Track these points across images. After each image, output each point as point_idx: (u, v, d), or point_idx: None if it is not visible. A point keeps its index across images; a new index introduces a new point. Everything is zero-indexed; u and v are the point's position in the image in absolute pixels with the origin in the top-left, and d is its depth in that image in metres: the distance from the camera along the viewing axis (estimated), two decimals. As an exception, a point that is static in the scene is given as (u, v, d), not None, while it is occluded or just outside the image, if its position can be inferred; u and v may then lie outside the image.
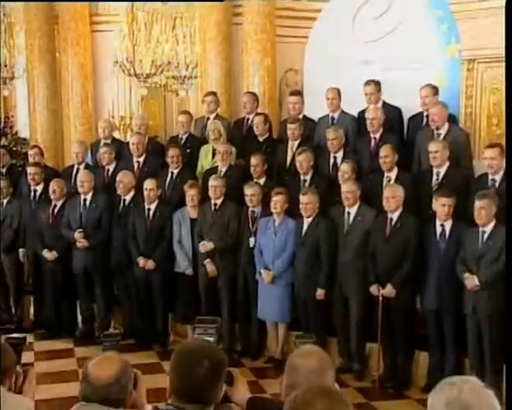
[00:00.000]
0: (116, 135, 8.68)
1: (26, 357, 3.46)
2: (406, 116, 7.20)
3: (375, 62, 7.41)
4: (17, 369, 2.97)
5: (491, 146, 6.27)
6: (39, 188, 7.81)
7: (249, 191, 6.66)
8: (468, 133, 7.32)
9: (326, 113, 7.39)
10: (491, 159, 6.03)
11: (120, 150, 7.95)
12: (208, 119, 7.98)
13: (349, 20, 7.67)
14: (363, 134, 7.11)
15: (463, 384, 1.83)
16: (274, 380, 5.51)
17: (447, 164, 6.31)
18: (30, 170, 7.81)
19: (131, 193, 7.26)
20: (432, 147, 6.31)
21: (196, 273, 6.92)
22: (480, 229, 5.61)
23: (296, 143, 7.21)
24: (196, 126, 8.26)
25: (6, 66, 9.95)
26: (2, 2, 9.91)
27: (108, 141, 8.04)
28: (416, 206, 6.23)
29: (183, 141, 7.93)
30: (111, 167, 7.71)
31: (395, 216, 6.02)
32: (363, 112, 7.15)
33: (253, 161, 6.96)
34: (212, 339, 2.80)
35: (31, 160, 8.22)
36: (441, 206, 5.77)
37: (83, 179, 7.34)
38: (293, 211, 6.55)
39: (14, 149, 10.40)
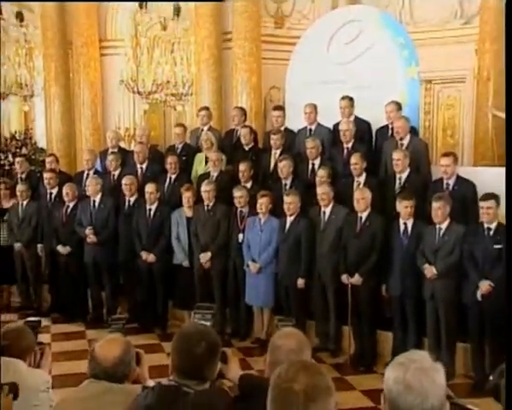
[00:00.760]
0: (122, 144, 8.67)
1: (44, 338, 3.45)
2: (374, 128, 7.22)
3: (346, 82, 7.43)
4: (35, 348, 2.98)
5: (445, 155, 6.29)
6: (54, 191, 7.80)
7: (238, 194, 6.67)
8: (427, 143, 7.40)
9: (304, 125, 7.39)
10: (446, 166, 6.04)
11: (125, 158, 7.91)
12: (202, 130, 7.94)
13: (324, 45, 7.69)
14: (337, 144, 7.12)
15: (410, 364, 1.77)
16: (260, 358, 5.52)
17: (408, 170, 6.32)
18: (46, 175, 7.83)
19: (135, 195, 7.25)
20: (395, 155, 6.32)
21: (192, 265, 6.91)
22: (437, 226, 5.63)
23: (278, 151, 7.21)
24: (192, 137, 8.23)
25: (27, 85, 9.97)
26: (23, 29, 9.88)
27: (115, 150, 8.00)
28: (382, 206, 6.24)
29: (178, 150, 7.90)
30: (117, 173, 7.68)
31: (364, 215, 6.03)
32: (337, 124, 7.16)
33: (241, 167, 6.96)
34: (208, 323, 2.79)
35: (47, 166, 8.22)
36: (404, 207, 5.78)
37: (89, 184, 7.39)
38: (276, 211, 6.57)
39: (33, 157, 10.40)
